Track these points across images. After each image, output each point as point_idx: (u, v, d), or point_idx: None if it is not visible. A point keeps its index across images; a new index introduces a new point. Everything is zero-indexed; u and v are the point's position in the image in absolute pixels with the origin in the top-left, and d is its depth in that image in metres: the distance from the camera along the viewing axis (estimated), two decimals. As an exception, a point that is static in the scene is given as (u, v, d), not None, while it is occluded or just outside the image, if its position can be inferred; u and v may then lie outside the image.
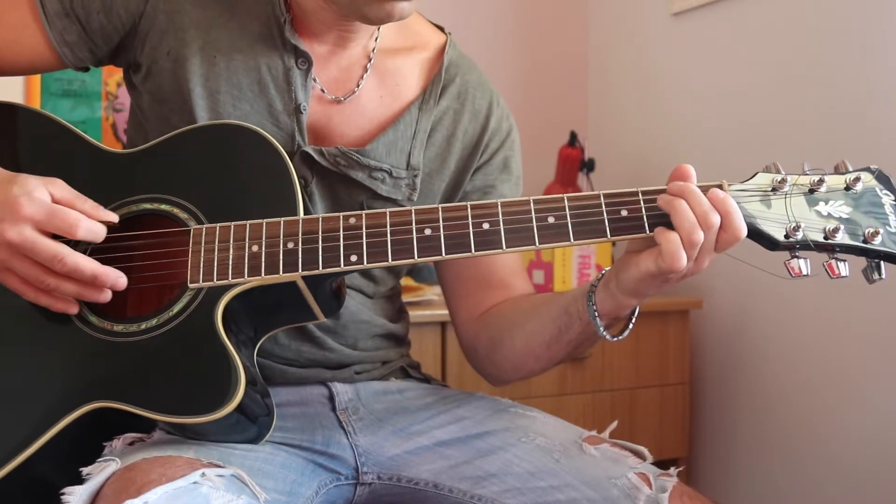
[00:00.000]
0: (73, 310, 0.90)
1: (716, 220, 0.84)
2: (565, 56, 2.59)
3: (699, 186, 0.87)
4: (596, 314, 0.94)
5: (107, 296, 0.90)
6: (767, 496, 2.03)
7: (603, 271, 0.96)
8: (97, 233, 0.90)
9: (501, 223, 0.89)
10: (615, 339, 0.96)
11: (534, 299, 1.10)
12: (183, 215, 0.94)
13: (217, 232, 0.92)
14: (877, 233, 0.85)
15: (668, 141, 2.30)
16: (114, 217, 0.93)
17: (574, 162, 2.31)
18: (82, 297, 0.90)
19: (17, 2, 1.03)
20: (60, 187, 0.90)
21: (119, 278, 0.90)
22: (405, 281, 1.94)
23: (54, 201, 0.89)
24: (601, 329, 0.95)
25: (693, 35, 2.22)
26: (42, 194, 0.88)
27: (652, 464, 0.98)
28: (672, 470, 0.96)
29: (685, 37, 2.25)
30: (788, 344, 1.96)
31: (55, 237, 0.88)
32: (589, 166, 2.35)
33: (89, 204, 0.91)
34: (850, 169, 0.89)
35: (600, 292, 0.94)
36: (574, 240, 0.88)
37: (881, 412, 1.75)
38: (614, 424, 1.06)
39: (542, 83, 2.54)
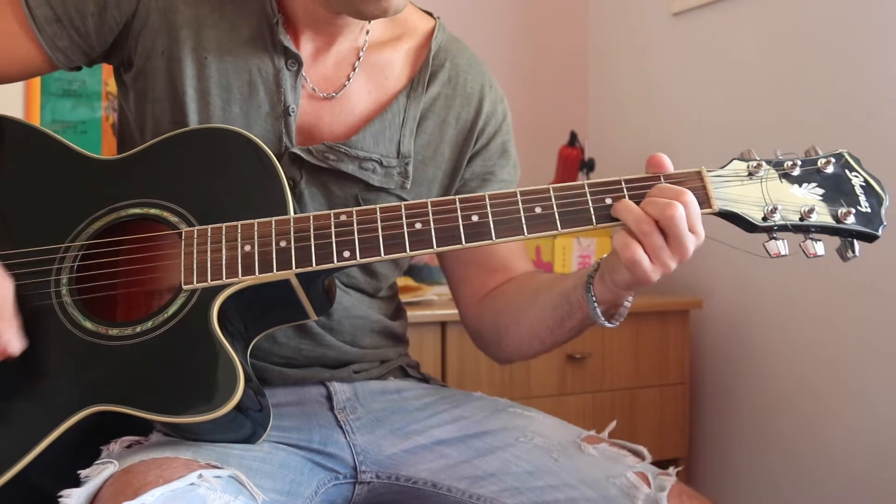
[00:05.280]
0: None
1: (675, 211, 0.85)
2: (565, 56, 2.59)
3: (674, 175, 0.90)
4: (595, 305, 0.95)
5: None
6: (767, 496, 2.03)
7: (598, 261, 0.96)
8: None
9: (490, 215, 0.90)
10: (610, 324, 0.98)
11: (535, 283, 1.11)
12: (173, 219, 0.94)
13: (209, 233, 0.92)
14: (849, 213, 0.88)
15: (668, 141, 2.30)
16: (17, 349, 0.89)
17: (574, 162, 2.31)
18: None
19: (2, 10, 1.02)
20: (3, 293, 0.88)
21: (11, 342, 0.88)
22: (405, 281, 1.94)
23: None
24: (601, 318, 0.96)
25: (693, 35, 2.22)
26: None
27: (651, 463, 0.98)
28: (671, 469, 0.97)
29: (685, 37, 2.25)
30: (788, 344, 1.96)
31: None
32: (589, 166, 2.35)
33: (7, 334, 0.88)
34: (821, 153, 0.92)
35: (597, 284, 0.95)
36: (561, 228, 0.90)
37: (880, 412, 1.75)
38: (613, 424, 1.06)
39: (542, 83, 2.54)
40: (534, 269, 1.18)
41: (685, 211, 0.85)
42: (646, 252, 0.86)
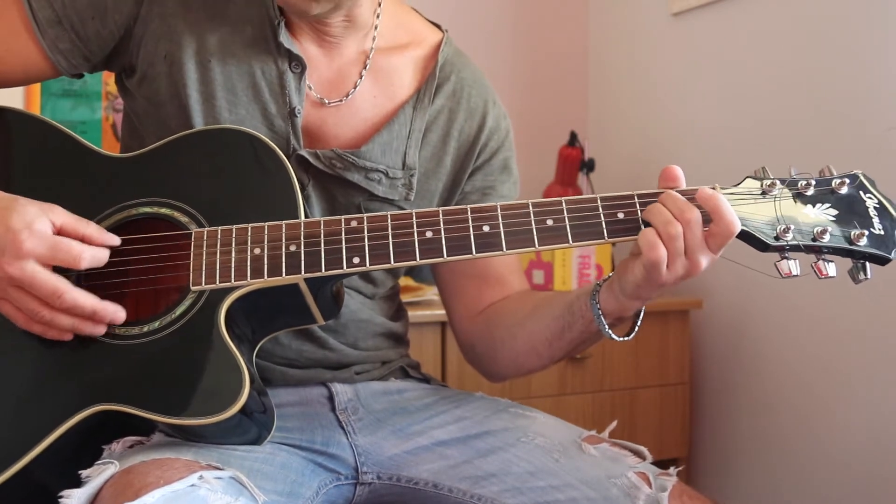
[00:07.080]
0: (67, 337, 0.89)
1: (693, 214, 0.85)
2: (565, 56, 2.59)
3: (688, 190, 0.89)
4: (600, 313, 0.95)
5: (101, 330, 0.89)
6: (767, 496, 2.03)
7: (608, 275, 0.96)
8: (101, 259, 0.90)
9: (501, 225, 0.90)
10: (621, 339, 0.97)
11: (535, 298, 1.11)
12: (183, 219, 0.94)
13: (219, 235, 0.92)
14: (862, 234, 0.87)
15: (668, 141, 2.30)
16: (116, 240, 0.92)
17: (574, 162, 2.31)
18: (77, 330, 0.88)
19: (6, 12, 1.02)
20: (60, 214, 0.89)
21: (117, 312, 0.89)
22: (405, 281, 1.94)
23: (56, 230, 0.87)
24: (606, 328, 0.95)
25: (693, 35, 2.22)
26: (43, 225, 0.86)
27: (652, 464, 0.98)
28: (672, 469, 0.97)
29: (685, 37, 2.25)
30: (788, 344, 1.96)
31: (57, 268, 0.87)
32: (589, 166, 2.35)
33: (92, 228, 0.90)
34: (835, 173, 0.92)
35: (604, 292, 0.95)
36: (572, 241, 0.89)
37: (880, 412, 1.75)
38: (614, 424, 1.06)
39: (542, 83, 2.54)
40: (529, 287, 1.18)
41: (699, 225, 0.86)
42: (667, 255, 0.86)
